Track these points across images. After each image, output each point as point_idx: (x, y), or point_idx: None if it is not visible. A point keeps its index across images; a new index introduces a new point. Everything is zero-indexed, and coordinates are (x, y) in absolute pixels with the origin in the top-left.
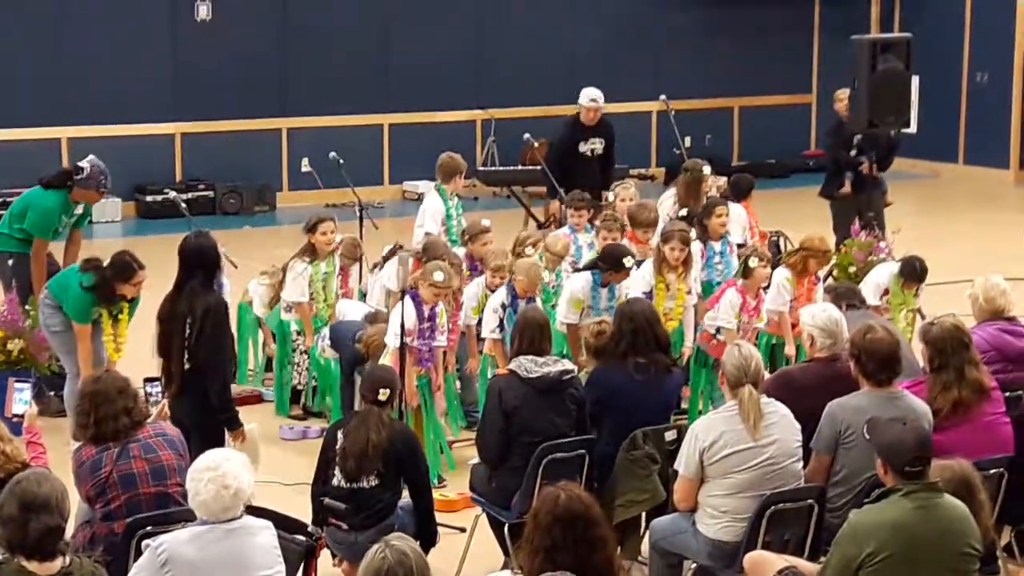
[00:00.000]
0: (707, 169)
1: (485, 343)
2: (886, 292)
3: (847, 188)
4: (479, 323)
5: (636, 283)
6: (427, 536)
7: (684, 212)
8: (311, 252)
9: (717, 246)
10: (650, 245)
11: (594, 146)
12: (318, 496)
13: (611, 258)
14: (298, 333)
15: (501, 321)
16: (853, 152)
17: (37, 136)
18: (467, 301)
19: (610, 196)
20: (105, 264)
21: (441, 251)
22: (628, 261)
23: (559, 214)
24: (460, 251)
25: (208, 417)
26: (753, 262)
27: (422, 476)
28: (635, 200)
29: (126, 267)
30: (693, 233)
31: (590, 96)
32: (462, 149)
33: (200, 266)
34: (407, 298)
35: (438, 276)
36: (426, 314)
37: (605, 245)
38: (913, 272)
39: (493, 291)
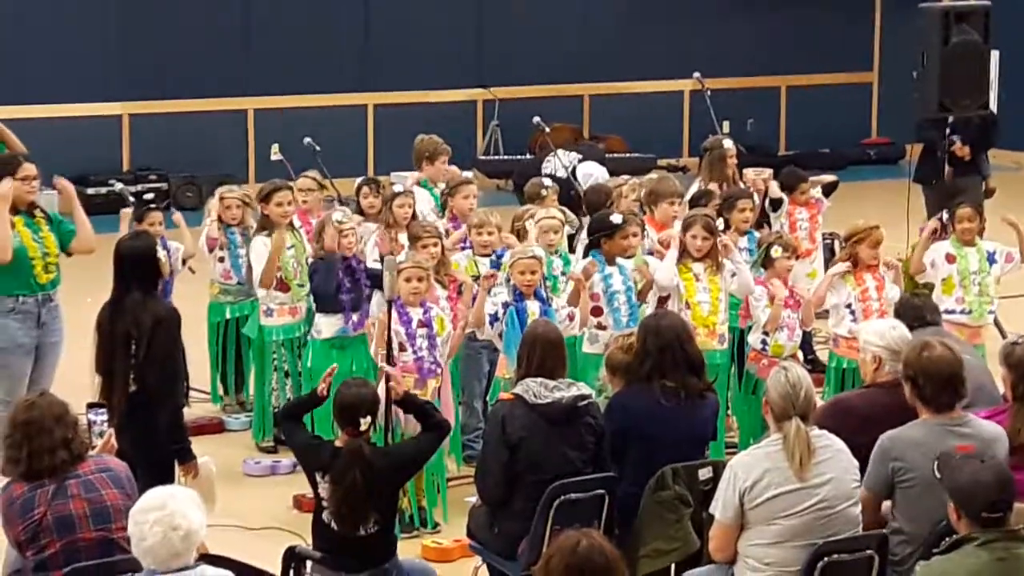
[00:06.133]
0: (728, 143)
1: (497, 363)
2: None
3: (947, 172)
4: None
5: (662, 274)
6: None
7: (693, 189)
8: (267, 224)
9: (741, 242)
10: (675, 229)
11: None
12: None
13: (597, 223)
14: (279, 344)
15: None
16: (947, 131)
17: None
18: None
19: None
20: None
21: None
22: (616, 217)
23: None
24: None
25: (156, 449)
26: (776, 251)
27: (418, 449)
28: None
29: (7, 161)
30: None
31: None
32: (460, 134)
33: (135, 274)
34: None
35: (401, 258)
36: (414, 319)
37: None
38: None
39: (485, 256)
